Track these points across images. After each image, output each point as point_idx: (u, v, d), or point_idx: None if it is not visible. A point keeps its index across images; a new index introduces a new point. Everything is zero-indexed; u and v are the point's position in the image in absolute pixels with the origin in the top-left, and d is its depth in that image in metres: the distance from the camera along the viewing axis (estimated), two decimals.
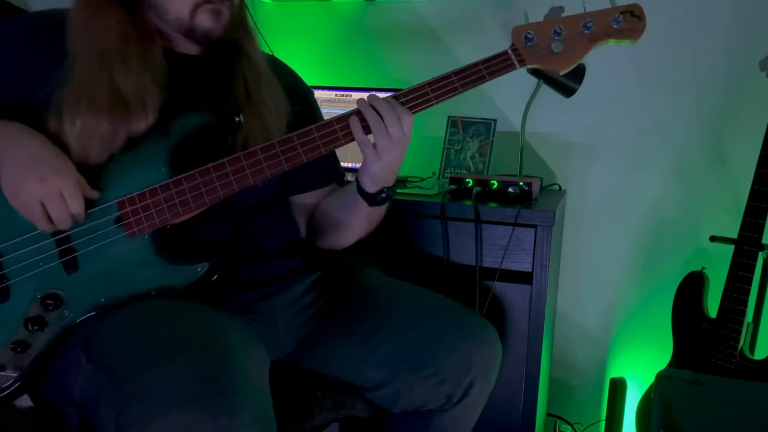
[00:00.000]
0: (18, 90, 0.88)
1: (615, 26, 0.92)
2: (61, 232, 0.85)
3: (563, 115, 1.75)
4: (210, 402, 0.68)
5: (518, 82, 1.73)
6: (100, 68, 0.86)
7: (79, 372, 0.80)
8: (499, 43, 1.78)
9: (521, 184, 1.41)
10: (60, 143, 0.85)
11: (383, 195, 0.98)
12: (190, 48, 0.97)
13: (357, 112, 0.92)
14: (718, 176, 1.66)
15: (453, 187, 1.45)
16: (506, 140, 1.76)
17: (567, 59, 0.93)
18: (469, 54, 1.82)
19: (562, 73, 0.95)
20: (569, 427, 1.85)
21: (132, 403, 0.69)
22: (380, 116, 0.90)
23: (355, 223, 1.04)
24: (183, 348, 0.74)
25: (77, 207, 0.82)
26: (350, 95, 1.75)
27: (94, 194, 0.85)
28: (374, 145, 0.91)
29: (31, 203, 0.80)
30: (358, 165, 1.70)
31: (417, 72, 1.85)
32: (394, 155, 0.93)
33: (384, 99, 0.91)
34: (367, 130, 0.91)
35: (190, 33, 0.93)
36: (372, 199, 0.98)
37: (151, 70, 0.89)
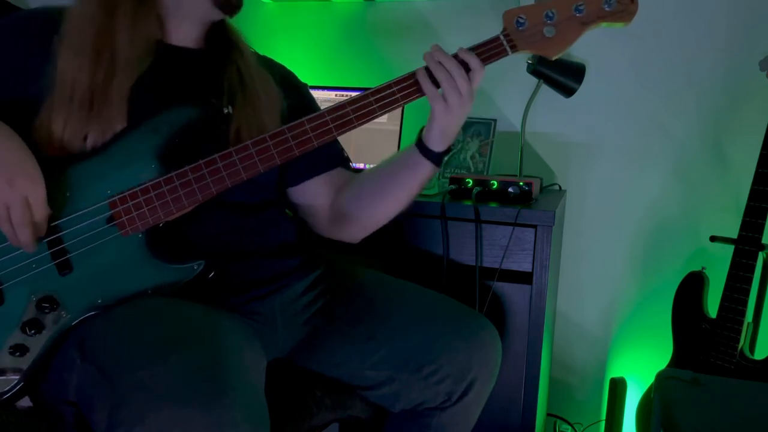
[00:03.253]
0: (8, 85, 0.88)
1: (607, 8, 0.90)
2: (53, 232, 0.84)
3: (563, 115, 1.75)
4: (202, 399, 0.68)
5: (518, 82, 1.74)
6: (83, 60, 0.87)
7: (73, 371, 0.80)
8: None
9: (521, 184, 1.41)
10: (46, 138, 0.86)
11: (449, 154, 0.99)
12: (185, 39, 0.97)
13: (425, 68, 0.92)
14: (718, 176, 1.66)
15: (453, 187, 1.45)
16: (506, 140, 1.76)
17: (559, 44, 0.92)
18: None
19: (553, 58, 0.94)
20: (569, 427, 1.85)
21: (124, 400, 0.69)
22: (449, 73, 0.90)
23: (405, 190, 1.03)
24: (176, 346, 0.73)
25: (41, 216, 0.81)
26: (350, 95, 1.75)
27: (48, 211, 0.83)
28: (444, 99, 0.91)
29: None
30: (359, 165, 1.70)
31: None
32: (464, 110, 0.93)
33: (453, 55, 0.91)
34: (436, 84, 0.91)
35: None
36: (439, 159, 0.98)
37: (129, 64, 0.89)
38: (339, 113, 0.92)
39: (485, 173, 1.63)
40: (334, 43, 1.93)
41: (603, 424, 1.81)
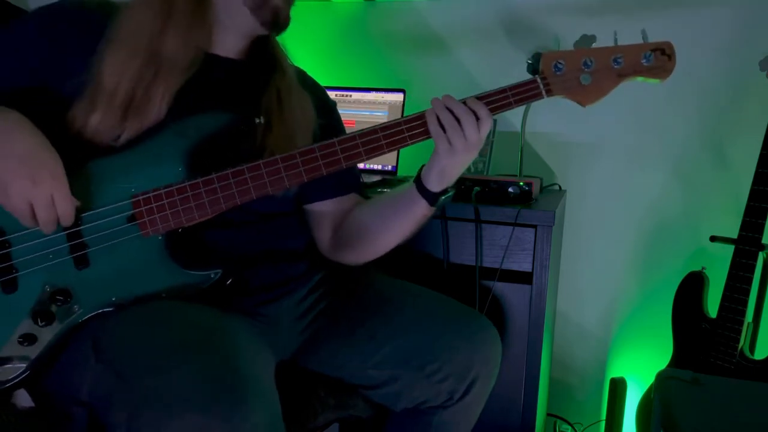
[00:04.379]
0: (41, 77, 0.88)
1: (645, 63, 0.90)
2: (74, 226, 0.84)
3: (563, 115, 1.75)
4: (222, 405, 0.68)
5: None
6: (131, 62, 0.87)
7: (87, 371, 0.79)
8: (498, 43, 1.79)
9: (521, 184, 1.41)
10: (78, 131, 0.86)
11: (445, 196, 0.97)
12: (230, 50, 0.98)
13: (431, 111, 0.91)
14: (718, 176, 1.66)
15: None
16: (506, 140, 1.76)
17: (593, 93, 0.92)
18: (469, 54, 1.83)
19: (586, 106, 0.93)
20: (569, 427, 1.85)
21: (143, 406, 0.69)
22: (456, 119, 0.89)
23: (401, 226, 1.02)
24: (193, 350, 0.74)
25: (67, 213, 0.81)
26: (350, 95, 1.75)
27: (77, 203, 0.84)
28: (449, 142, 0.90)
29: (20, 202, 0.79)
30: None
31: (417, 72, 1.85)
32: (469, 155, 0.92)
33: (462, 101, 0.91)
34: (443, 127, 0.90)
35: (259, 8, 0.93)
36: (435, 199, 0.96)
37: (177, 70, 0.90)
38: (370, 137, 0.91)
39: (485, 173, 1.63)
40: (334, 43, 1.93)
41: (603, 424, 1.81)
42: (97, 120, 0.86)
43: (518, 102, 0.92)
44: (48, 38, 0.89)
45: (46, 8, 0.92)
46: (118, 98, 0.86)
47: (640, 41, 0.91)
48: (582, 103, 0.93)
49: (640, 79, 0.92)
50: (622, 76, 0.91)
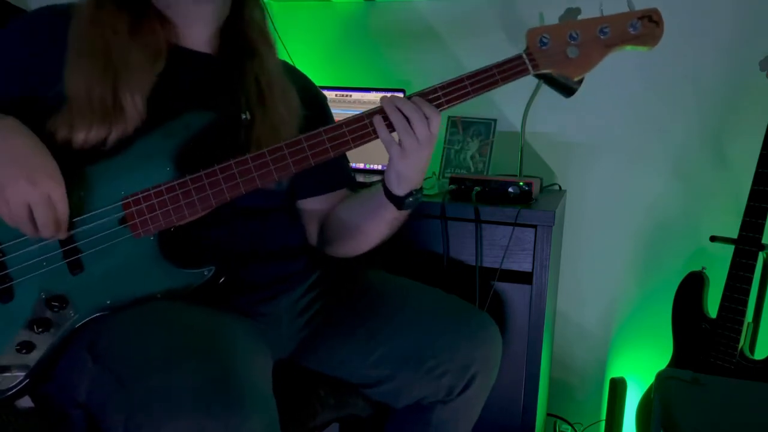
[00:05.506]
0: (27, 84, 0.88)
1: (632, 32, 0.89)
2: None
3: (563, 115, 1.75)
4: (219, 407, 0.68)
5: (518, 82, 1.72)
6: (91, 70, 0.86)
7: (84, 374, 0.79)
8: (499, 42, 1.79)
9: (521, 184, 1.41)
10: (63, 139, 0.85)
11: (411, 198, 0.96)
12: (198, 44, 0.97)
13: (380, 110, 0.90)
14: (718, 176, 1.66)
15: (453, 187, 1.45)
16: (506, 140, 1.76)
17: (582, 65, 0.91)
18: (469, 53, 1.83)
19: (576, 79, 0.92)
20: (569, 427, 1.85)
21: (140, 408, 0.69)
22: (405, 116, 0.88)
23: (375, 228, 1.03)
24: (190, 352, 0.74)
25: (64, 214, 0.81)
26: (350, 95, 1.75)
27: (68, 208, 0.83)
28: (400, 143, 0.89)
29: (18, 205, 0.78)
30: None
31: (417, 72, 1.85)
32: (422, 155, 0.91)
33: (410, 99, 0.90)
34: (391, 128, 0.89)
35: None
36: (400, 203, 0.96)
37: (140, 67, 0.88)
38: (357, 125, 0.90)
39: (485, 173, 1.63)
40: (334, 43, 1.93)
41: (603, 424, 1.81)
42: (76, 128, 0.85)
43: (504, 79, 0.91)
44: (29, 47, 0.88)
45: (26, 17, 0.91)
46: (89, 105, 0.85)
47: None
48: (570, 76, 0.91)
49: (628, 47, 0.91)
50: (609, 46, 0.90)
